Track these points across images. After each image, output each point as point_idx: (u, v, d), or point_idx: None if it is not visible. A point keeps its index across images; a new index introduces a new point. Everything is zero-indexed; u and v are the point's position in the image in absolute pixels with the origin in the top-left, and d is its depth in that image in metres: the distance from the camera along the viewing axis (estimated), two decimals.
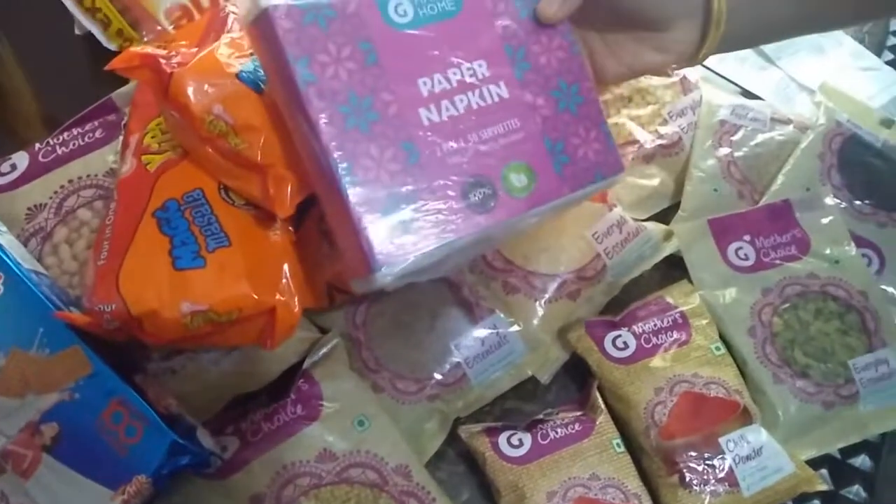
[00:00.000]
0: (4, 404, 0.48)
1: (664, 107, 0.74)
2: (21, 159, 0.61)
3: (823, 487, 0.59)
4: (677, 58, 0.53)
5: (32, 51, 0.80)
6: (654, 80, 0.74)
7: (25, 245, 0.58)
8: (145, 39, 0.71)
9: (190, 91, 0.48)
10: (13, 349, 0.49)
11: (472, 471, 0.60)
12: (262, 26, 0.44)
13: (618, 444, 0.58)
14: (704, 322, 0.63)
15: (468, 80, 0.48)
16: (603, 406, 0.60)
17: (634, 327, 0.63)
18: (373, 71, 0.45)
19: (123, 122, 0.61)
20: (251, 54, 0.52)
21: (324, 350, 0.58)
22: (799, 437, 0.61)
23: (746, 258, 0.67)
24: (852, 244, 0.68)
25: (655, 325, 0.63)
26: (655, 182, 0.72)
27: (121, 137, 0.61)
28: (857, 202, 0.71)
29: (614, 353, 0.61)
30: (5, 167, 0.60)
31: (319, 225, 0.57)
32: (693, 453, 0.57)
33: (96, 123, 0.63)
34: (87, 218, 0.59)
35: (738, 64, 0.83)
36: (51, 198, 0.59)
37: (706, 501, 0.56)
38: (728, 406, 0.59)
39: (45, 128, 0.76)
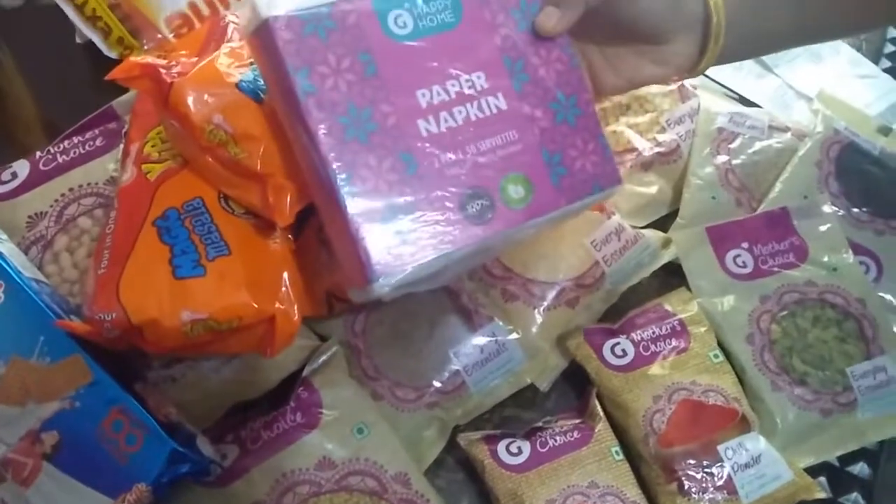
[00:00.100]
0: (5, 412, 0.48)
1: (662, 115, 0.74)
2: (22, 167, 0.61)
3: (822, 495, 0.59)
4: (676, 70, 0.54)
5: (33, 58, 0.81)
6: (653, 89, 0.74)
7: (26, 253, 0.58)
8: (146, 48, 0.71)
9: (190, 101, 0.49)
10: (14, 357, 0.49)
11: (471, 478, 0.60)
12: (262, 37, 0.44)
13: (616, 452, 0.58)
14: (703, 330, 0.64)
15: (467, 91, 0.48)
16: (602, 414, 0.60)
17: (633, 335, 0.63)
18: (372, 82, 0.46)
19: (124, 131, 0.62)
20: (251, 64, 0.52)
21: (323, 358, 0.58)
22: (797, 444, 0.61)
23: (744, 266, 0.67)
24: (850, 252, 0.68)
25: (654, 333, 0.63)
26: (654, 190, 0.72)
27: (121, 146, 0.61)
28: (855, 210, 0.71)
29: (613, 360, 0.61)
30: (6, 175, 0.60)
31: (319, 233, 0.57)
32: (692, 461, 0.57)
33: (97, 132, 0.63)
34: (87, 226, 0.59)
35: (735, 71, 0.83)
36: (51, 206, 0.59)
37: None
38: (726, 414, 0.59)
39: (45, 134, 0.77)
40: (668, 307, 0.65)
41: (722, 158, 0.73)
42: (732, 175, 0.72)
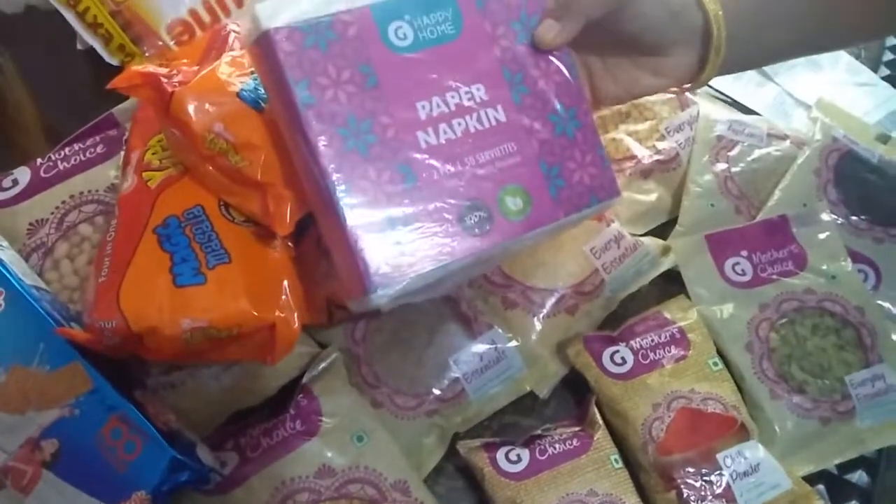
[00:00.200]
0: (5, 420, 0.48)
1: (662, 122, 0.74)
2: (23, 174, 0.61)
3: (821, 503, 0.59)
4: (676, 82, 0.54)
5: (34, 63, 0.81)
6: (652, 97, 0.74)
7: (27, 260, 0.58)
8: (146, 55, 0.71)
9: (191, 109, 0.49)
10: (14, 365, 0.49)
11: (470, 486, 0.60)
12: (263, 47, 0.45)
13: (615, 460, 0.58)
14: (702, 337, 0.64)
15: (466, 103, 0.48)
16: (601, 421, 0.60)
17: (632, 342, 0.63)
18: (372, 94, 0.46)
19: (125, 138, 0.62)
20: (252, 73, 0.52)
21: (323, 365, 0.58)
22: (796, 452, 0.61)
23: (743, 273, 0.67)
24: (849, 260, 0.68)
25: (653, 341, 0.63)
26: (653, 197, 0.73)
27: (122, 153, 0.61)
28: (854, 218, 0.71)
29: (612, 368, 0.62)
30: (7, 182, 0.60)
31: (319, 241, 0.57)
32: (690, 469, 0.57)
33: (98, 139, 0.63)
34: (88, 233, 0.59)
35: (735, 80, 0.84)
36: (52, 213, 0.59)
37: None
38: (725, 422, 0.59)
39: (46, 139, 0.77)
40: (667, 315, 0.65)
41: (721, 166, 0.73)
42: (731, 183, 0.72)
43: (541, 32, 0.50)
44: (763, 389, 0.63)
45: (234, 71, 0.52)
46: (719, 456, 0.58)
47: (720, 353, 0.64)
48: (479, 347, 0.61)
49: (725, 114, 0.76)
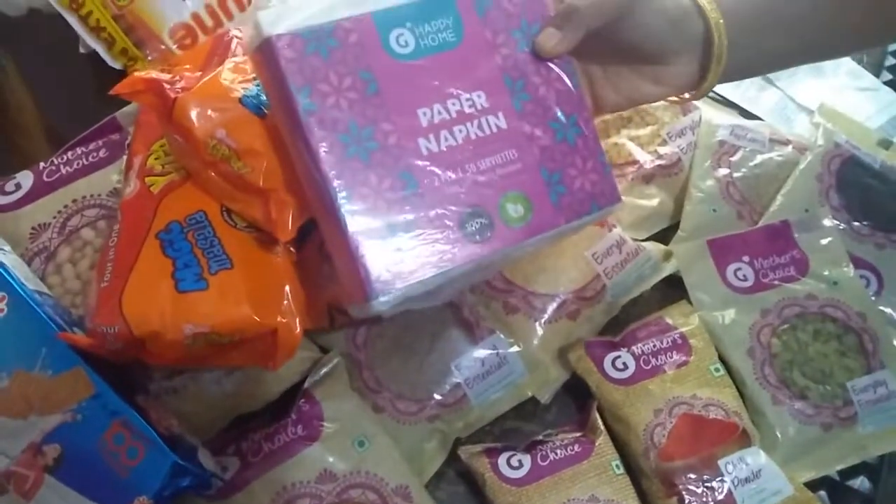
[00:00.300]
0: (7, 425, 0.48)
1: (663, 127, 0.74)
2: (25, 178, 0.61)
3: None
4: (677, 90, 0.54)
5: (36, 66, 0.81)
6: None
7: (29, 264, 0.58)
8: (149, 59, 0.71)
9: (193, 116, 0.49)
10: (16, 370, 0.49)
11: (471, 491, 0.60)
12: (265, 54, 0.45)
13: (617, 466, 0.58)
14: (703, 343, 0.64)
15: (467, 110, 0.48)
16: (602, 427, 0.60)
17: (634, 348, 0.63)
18: (373, 101, 0.46)
19: (127, 142, 0.62)
20: (254, 79, 0.52)
21: (325, 370, 0.59)
22: (798, 458, 0.61)
23: (745, 279, 0.67)
24: (851, 265, 0.68)
25: (655, 346, 0.63)
26: (655, 202, 0.72)
27: (124, 157, 0.61)
28: (856, 223, 0.71)
29: (614, 374, 0.62)
30: (10, 186, 0.61)
31: (321, 246, 0.57)
32: (692, 475, 0.57)
33: (100, 143, 0.63)
34: (90, 237, 0.59)
35: (736, 84, 0.84)
36: (55, 217, 0.60)
37: None
38: (727, 428, 0.59)
39: (48, 143, 0.77)
40: (669, 320, 0.65)
41: (723, 171, 0.73)
42: (733, 188, 0.72)
43: (541, 40, 0.50)
44: (765, 395, 0.63)
45: (237, 77, 0.52)
46: (721, 462, 0.57)
47: (722, 359, 0.64)
48: (481, 353, 0.61)
49: (727, 119, 0.76)
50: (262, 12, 0.44)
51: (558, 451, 0.58)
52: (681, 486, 0.56)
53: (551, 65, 0.51)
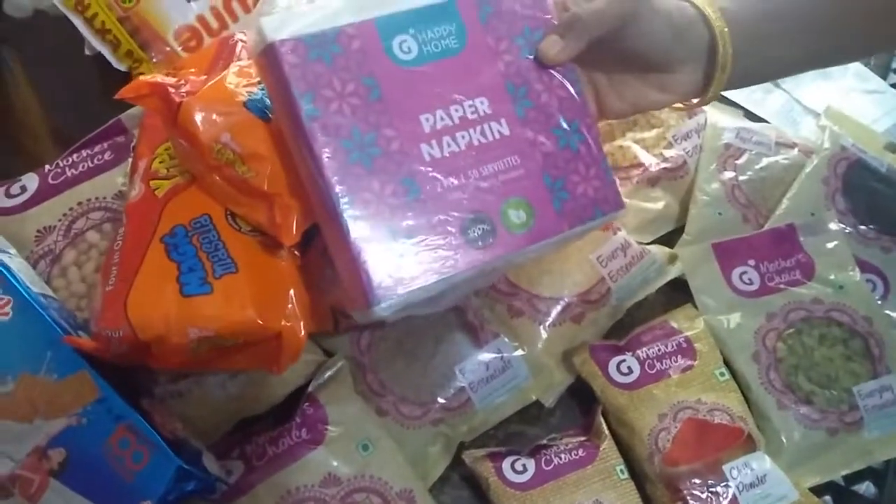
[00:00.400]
0: (13, 429, 0.48)
1: (669, 130, 0.74)
2: (31, 181, 0.61)
3: None
4: (681, 97, 0.54)
5: (42, 68, 0.81)
6: None
7: (34, 267, 0.58)
8: (154, 61, 0.71)
9: (198, 120, 0.49)
10: (21, 373, 0.49)
11: (476, 495, 0.60)
12: (268, 59, 0.45)
13: (621, 471, 0.58)
14: (708, 347, 0.64)
15: (470, 116, 0.48)
16: (607, 432, 0.60)
17: (639, 352, 0.63)
18: (376, 107, 0.46)
19: (132, 145, 0.62)
20: (259, 83, 0.52)
21: (329, 373, 0.58)
22: (803, 463, 0.61)
23: (751, 283, 0.67)
24: (857, 269, 0.68)
25: (660, 350, 0.63)
26: (660, 205, 0.72)
27: (130, 160, 0.61)
28: (862, 227, 0.71)
29: (618, 378, 0.61)
30: (15, 189, 0.61)
31: (325, 249, 0.57)
32: (697, 480, 0.57)
33: (105, 145, 0.63)
34: (95, 240, 0.59)
35: None
36: (60, 220, 0.60)
37: None
38: (732, 433, 0.59)
39: (54, 144, 0.77)
40: (673, 324, 0.65)
41: (728, 174, 0.73)
42: (739, 191, 0.72)
43: (544, 48, 0.50)
44: (770, 400, 0.62)
45: (242, 81, 0.52)
46: (726, 467, 0.57)
47: (727, 363, 0.64)
48: (485, 356, 0.61)
49: (733, 121, 0.76)
50: (265, 18, 0.44)
51: (562, 456, 0.58)
52: (685, 492, 0.56)
53: (554, 72, 0.51)
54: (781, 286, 0.67)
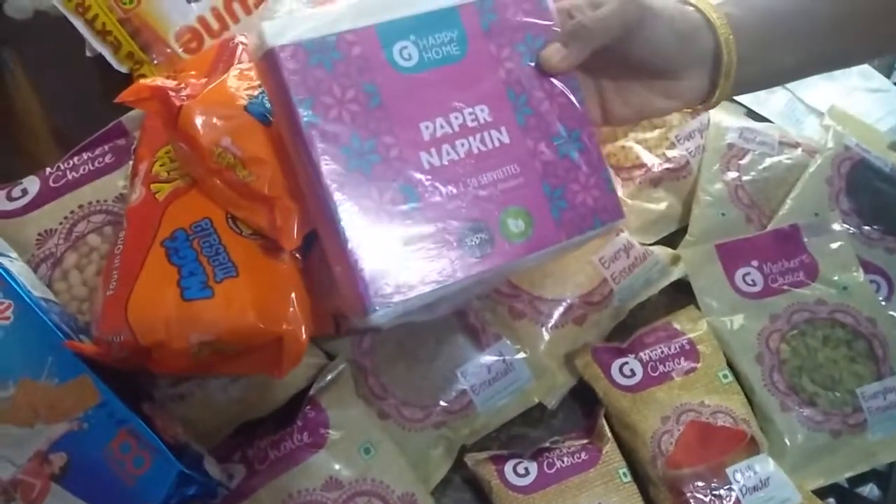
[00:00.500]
0: (14, 433, 0.48)
1: (671, 130, 0.74)
2: (32, 184, 0.61)
3: None
4: (686, 104, 0.53)
5: (43, 69, 0.81)
6: None
7: (35, 271, 0.58)
8: (155, 62, 0.71)
9: (199, 123, 0.48)
10: (22, 378, 0.49)
11: (478, 498, 0.60)
12: (268, 64, 0.45)
13: (624, 474, 0.58)
14: (711, 349, 0.63)
15: (470, 124, 0.48)
16: (609, 435, 0.60)
17: (641, 354, 0.63)
18: (376, 113, 0.46)
19: (133, 147, 0.62)
20: (260, 86, 0.52)
21: (330, 376, 0.58)
22: (806, 465, 0.61)
23: (754, 284, 0.67)
24: (861, 270, 0.67)
25: (662, 353, 0.63)
26: (663, 206, 0.72)
27: (130, 162, 0.61)
28: (866, 227, 0.70)
29: (621, 380, 0.61)
30: (16, 192, 0.61)
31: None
32: (700, 483, 0.57)
33: (106, 148, 0.63)
34: (96, 243, 0.59)
35: None
36: (61, 223, 0.60)
37: None
38: (735, 435, 0.59)
39: (55, 145, 0.77)
40: (676, 326, 0.65)
41: (732, 174, 0.72)
42: (742, 191, 0.72)
43: (547, 55, 0.49)
44: (773, 402, 0.62)
45: (242, 84, 0.52)
46: (729, 470, 0.57)
47: (730, 365, 0.64)
48: (487, 359, 0.61)
49: (736, 121, 0.76)
50: (266, 23, 0.44)
51: (565, 459, 0.58)
52: (688, 494, 0.56)
53: (555, 80, 0.50)
54: (785, 287, 0.66)
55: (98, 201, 0.60)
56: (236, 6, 0.72)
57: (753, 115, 0.81)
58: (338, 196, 0.44)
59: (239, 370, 0.53)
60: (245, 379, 0.58)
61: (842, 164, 0.72)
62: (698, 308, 0.66)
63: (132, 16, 0.70)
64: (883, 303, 0.68)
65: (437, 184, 0.46)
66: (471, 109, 0.48)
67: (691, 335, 0.64)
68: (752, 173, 0.72)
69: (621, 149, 0.73)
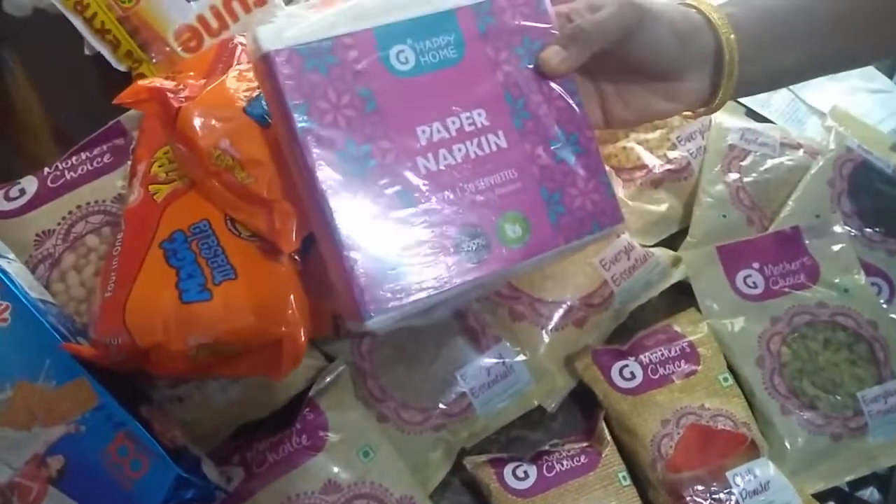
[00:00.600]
0: (11, 436, 0.48)
1: (673, 131, 0.73)
2: (30, 184, 0.61)
3: None
4: (687, 106, 0.53)
5: (42, 67, 0.81)
6: None
7: (33, 271, 0.58)
8: (154, 61, 0.71)
9: (197, 125, 0.48)
10: (20, 381, 0.49)
11: (476, 501, 0.59)
12: (264, 67, 0.44)
13: (624, 478, 0.58)
14: (712, 352, 0.63)
15: (467, 128, 0.47)
16: (609, 438, 0.59)
17: (642, 357, 0.62)
18: (372, 118, 0.45)
19: (132, 147, 0.61)
20: (259, 87, 0.51)
21: (329, 378, 0.58)
22: (807, 469, 0.61)
23: (755, 286, 0.66)
24: (862, 272, 0.67)
25: (663, 355, 0.62)
26: (664, 207, 0.72)
27: (129, 162, 0.61)
28: (868, 229, 0.70)
29: (621, 383, 0.61)
30: (14, 192, 0.60)
31: None
32: (700, 487, 0.56)
33: (105, 147, 0.63)
34: (94, 244, 0.59)
35: None
36: (59, 224, 0.59)
37: None
38: (735, 439, 0.59)
39: (55, 144, 0.77)
40: (677, 328, 0.64)
41: (733, 176, 0.72)
42: (744, 193, 0.72)
43: (545, 57, 0.49)
44: (774, 405, 0.62)
45: (241, 85, 0.51)
46: (729, 474, 0.57)
47: (730, 368, 0.63)
48: (487, 362, 0.60)
49: (738, 122, 0.75)
50: (261, 27, 0.43)
51: (564, 462, 0.58)
52: (688, 498, 0.56)
53: (553, 83, 0.50)
54: (786, 289, 0.66)
55: (96, 202, 0.60)
56: (236, 5, 0.71)
57: (755, 115, 0.81)
58: (333, 202, 0.44)
59: (237, 373, 0.53)
60: (244, 380, 0.57)
61: (844, 166, 0.72)
62: (699, 310, 0.66)
63: (131, 14, 0.69)
64: (884, 305, 0.67)
65: (434, 189, 0.46)
66: (468, 113, 0.47)
67: (692, 338, 0.63)
68: (754, 175, 0.72)
69: (622, 150, 0.73)
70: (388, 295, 0.44)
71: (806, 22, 0.52)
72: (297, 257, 0.54)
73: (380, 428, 0.58)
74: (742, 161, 0.72)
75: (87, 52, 0.75)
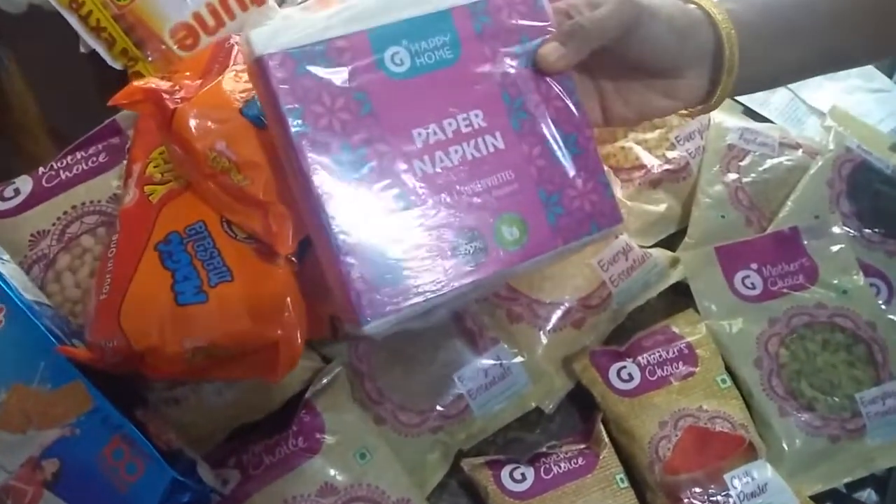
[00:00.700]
0: (6, 439, 0.48)
1: (671, 131, 0.73)
2: (24, 183, 0.60)
3: None
4: (687, 103, 0.52)
5: (38, 65, 0.80)
6: None
7: (28, 272, 0.57)
8: (150, 59, 0.70)
9: (193, 127, 0.48)
10: (14, 384, 0.49)
11: (474, 503, 0.59)
12: (258, 70, 0.44)
13: (621, 480, 0.58)
14: (710, 353, 0.63)
15: (464, 130, 0.47)
16: (607, 440, 0.59)
17: (640, 358, 0.62)
18: (367, 121, 0.45)
19: (127, 147, 0.61)
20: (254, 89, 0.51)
21: (326, 380, 0.58)
22: (805, 471, 0.61)
23: (753, 287, 0.66)
24: (861, 273, 0.67)
25: (661, 357, 0.62)
26: (662, 207, 0.71)
27: (124, 162, 0.60)
28: (867, 230, 0.70)
29: (619, 385, 0.61)
30: (9, 192, 0.60)
31: None
32: (697, 489, 0.56)
33: (100, 147, 0.62)
34: (89, 245, 0.59)
35: None
36: (54, 224, 0.59)
37: None
38: (733, 441, 0.59)
39: (50, 142, 0.76)
40: (675, 329, 0.64)
41: (732, 176, 0.72)
42: (742, 193, 0.71)
43: (544, 53, 0.48)
44: (772, 406, 0.62)
45: (238, 86, 0.51)
46: (726, 476, 0.57)
47: (728, 369, 0.63)
48: (485, 363, 0.60)
49: (737, 122, 0.75)
50: (255, 30, 0.43)
51: (562, 465, 0.58)
52: (686, 500, 0.56)
53: (551, 83, 0.49)
54: (784, 290, 0.66)
55: (92, 202, 0.60)
56: (232, 2, 0.70)
57: (754, 115, 0.80)
58: (329, 206, 0.43)
59: (234, 375, 0.53)
60: (240, 382, 0.57)
61: (843, 166, 0.72)
62: (697, 311, 0.66)
63: (126, 12, 0.69)
64: (883, 307, 0.67)
65: (431, 192, 0.45)
66: (465, 115, 0.47)
67: (690, 339, 0.63)
68: (753, 175, 0.72)
69: (621, 149, 0.72)
70: (386, 299, 0.44)
71: (806, 17, 0.51)
72: (293, 259, 0.54)
73: (377, 430, 0.58)
74: (741, 161, 0.72)
75: (82, 49, 0.75)
